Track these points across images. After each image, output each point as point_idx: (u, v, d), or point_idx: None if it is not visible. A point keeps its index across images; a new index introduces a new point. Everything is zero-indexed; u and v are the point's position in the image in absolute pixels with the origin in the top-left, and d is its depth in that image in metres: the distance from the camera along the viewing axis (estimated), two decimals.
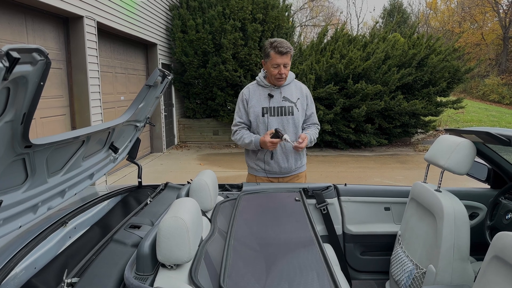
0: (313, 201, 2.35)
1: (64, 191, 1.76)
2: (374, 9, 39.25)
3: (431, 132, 11.77)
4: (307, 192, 2.33)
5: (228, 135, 10.33)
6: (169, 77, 2.28)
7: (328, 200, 2.36)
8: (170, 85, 9.87)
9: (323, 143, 9.59)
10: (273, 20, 9.27)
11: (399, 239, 2.27)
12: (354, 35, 10.27)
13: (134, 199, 2.21)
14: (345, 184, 2.46)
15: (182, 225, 1.24)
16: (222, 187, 2.38)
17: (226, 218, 1.89)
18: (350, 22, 33.37)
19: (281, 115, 2.60)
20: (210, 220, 1.80)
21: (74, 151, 1.72)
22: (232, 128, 2.73)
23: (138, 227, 1.66)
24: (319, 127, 2.84)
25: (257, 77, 2.70)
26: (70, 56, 5.64)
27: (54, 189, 1.64)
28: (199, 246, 1.48)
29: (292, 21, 10.77)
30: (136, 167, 2.37)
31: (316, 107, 8.96)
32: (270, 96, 2.60)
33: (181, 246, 1.24)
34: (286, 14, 9.82)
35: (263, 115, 2.59)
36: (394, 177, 6.76)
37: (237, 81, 9.21)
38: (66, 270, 1.27)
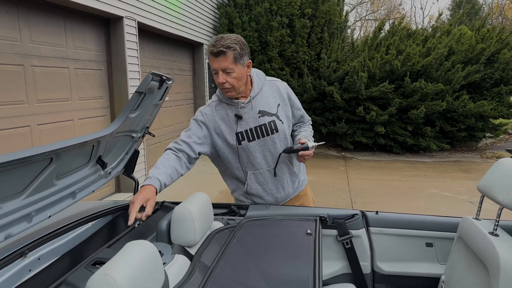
0: (334, 232, 1.93)
1: (30, 215, 1.54)
2: (437, 0, 36.33)
3: (502, 136, 10.47)
4: (326, 221, 1.92)
5: None
6: (169, 82, 1.98)
7: (353, 232, 1.92)
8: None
9: (376, 146, 8.88)
10: (324, 15, 8.75)
11: (442, 286, 1.78)
12: (415, 29, 9.38)
13: (124, 221, 1.95)
14: (377, 212, 2.01)
15: None
16: (227, 208, 2.04)
17: (217, 251, 1.56)
18: (415, 16, 31.34)
19: (262, 136, 2.00)
20: (191, 258, 1.47)
21: (40, 171, 1.49)
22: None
23: (102, 263, 1.38)
24: (311, 122, 2.30)
25: (217, 91, 2.05)
26: (111, 57, 5.65)
27: (11, 215, 1.42)
28: None
29: (346, 15, 10.12)
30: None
31: (368, 107, 8.33)
32: (238, 117, 1.96)
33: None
34: (339, 8, 9.23)
35: (239, 143, 1.99)
36: (455, 189, 5.97)
37: (283, 80, 8.82)
38: None
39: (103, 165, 1.90)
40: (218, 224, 1.83)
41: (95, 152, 1.81)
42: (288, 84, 8.74)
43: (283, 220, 1.84)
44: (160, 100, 2.06)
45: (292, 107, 2.12)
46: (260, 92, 2.01)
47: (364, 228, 1.96)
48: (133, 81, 5.84)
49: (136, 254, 1.07)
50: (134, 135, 2.05)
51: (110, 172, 2.02)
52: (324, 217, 1.90)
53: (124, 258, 1.04)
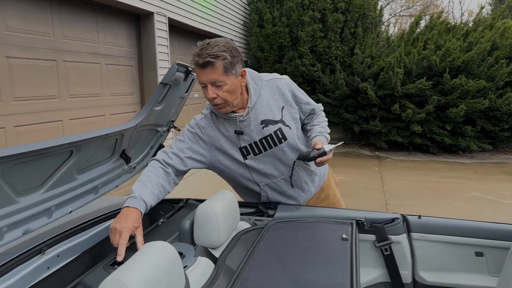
0: (372, 237, 1.76)
1: (50, 210, 1.48)
2: None
3: None
4: (363, 225, 1.75)
5: None
6: (196, 74, 1.88)
7: (393, 237, 1.75)
8: None
9: (412, 146, 8.50)
10: (357, 9, 8.46)
11: None
12: (454, 23, 8.89)
13: (147, 217, 1.87)
14: (419, 216, 1.82)
15: None
16: (255, 207, 1.91)
17: (243, 254, 1.44)
18: (453, 11, 30.02)
19: (270, 147, 1.77)
20: (215, 261, 1.36)
21: (60, 164, 1.42)
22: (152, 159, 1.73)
23: (121, 263, 1.29)
24: (322, 109, 1.98)
25: (208, 104, 1.77)
26: (141, 53, 5.66)
27: (29, 209, 1.36)
28: None
29: (381, 9, 9.75)
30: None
31: (404, 104, 7.97)
32: (239, 133, 1.71)
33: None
34: (373, 1, 8.90)
35: (245, 158, 1.77)
36: (498, 192, 5.58)
37: (314, 76, 8.61)
38: None
39: (127, 160, 1.82)
40: (245, 225, 1.71)
41: (119, 146, 1.73)
42: (320, 81, 8.62)
43: (316, 222, 1.69)
44: (185, 93, 1.96)
45: (299, 104, 1.85)
46: (259, 98, 1.74)
47: (405, 234, 1.78)
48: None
49: (153, 257, 0.97)
50: (159, 129, 1.97)
51: (134, 167, 1.94)
52: (361, 220, 1.74)
53: (139, 262, 0.93)
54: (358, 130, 8.68)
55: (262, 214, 1.87)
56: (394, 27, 11.35)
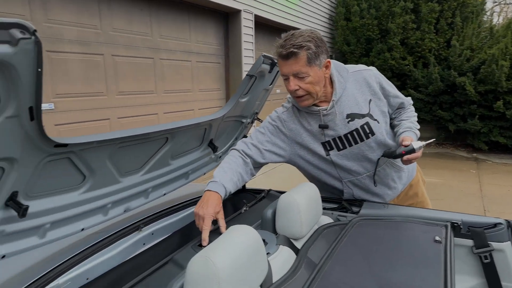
0: (469, 242, 1.60)
1: (147, 191, 1.62)
2: None
3: None
4: (459, 229, 1.60)
5: None
6: None
7: (495, 244, 1.56)
8: None
9: None
10: None
11: None
12: None
13: (231, 205, 1.94)
14: None
15: (212, 274, 0.87)
16: (338, 203, 1.87)
17: (325, 249, 1.41)
18: None
19: (355, 143, 1.68)
20: (297, 252, 1.36)
21: (157, 149, 1.55)
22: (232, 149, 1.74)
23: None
24: (411, 102, 1.82)
25: (289, 98, 1.72)
26: (228, 50, 5.88)
27: (130, 189, 1.50)
28: None
29: None
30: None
31: (509, 101, 7.08)
32: (323, 128, 1.64)
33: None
34: None
35: (328, 153, 1.70)
36: None
37: (405, 70, 8.10)
38: None
39: (214, 149, 1.91)
40: (327, 219, 1.68)
41: (207, 136, 1.82)
42: (411, 75, 8.09)
43: (405, 222, 1.59)
44: (270, 85, 1.99)
45: (387, 97, 1.73)
46: (345, 91, 1.65)
47: (509, 241, 1.58)
48: None
49: (239, 239, 1.00)
50: (243, 120, 2.03)
51: (220, 156, 2.03)
52: (457, 223, 1.59)
53: (226, 242, 0.97)
54: (454, 129, 7.95)
55: (346, 210, 1.82)
56: (498, 16, 10.10)
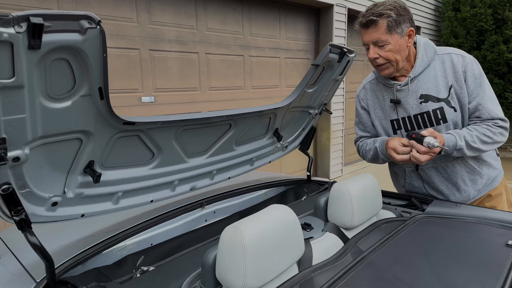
0: None
1: (212, 173, 1.75)
2: None
3: None
4: None
5: None
6: (351, 55, 1.87)
7: None
8: None
9: None
10: None
11: None
12: None
13: (294, 194, 1.97)
14: None
15: (239, 241, 0.93)
16: (407, 200, 1.77)
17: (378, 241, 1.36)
18: None
19: (425, 126, 1.61)
20: (346, 241, 1.34)
21: (220, 134, 1.66)
22: (355, 144, 1.91)
23: None
24: (505, 124, 1.58)
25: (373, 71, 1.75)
26: (318, 46, 5.85)
27: (196, 170, 1.64)
28: (300, 271, 1.11)
29: None
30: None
31: None
32: (395, 103, 1.63)
33: (237, 267, 0.93)
34: None
35: (395, 132, 1.68)
36: None
37: None
38: (142, 256, 1.21)
39: (279, 138, 1.96)
40: (388, 214, 1.61)
41: (272, 124, 1.89)
42: None
43: (475, 223, 1.45)
44: (340, 75, 1.96)
45: (468, 88, 1.56)
46: (426, 70, 1.59)
47: None
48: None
49: (272, 216, 1.04)
50: (311, 111, 2.04)
51: (286, 146, 2.07)
52: None
53: (258, 217, 1.03)
54: None
55: (415, 208, 1.72)
56: None
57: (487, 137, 1.54)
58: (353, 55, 1.88)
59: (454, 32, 7.88)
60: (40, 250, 1.01)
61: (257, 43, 4.90)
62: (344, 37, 5.89)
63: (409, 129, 1.64)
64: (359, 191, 1.40)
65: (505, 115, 1.58)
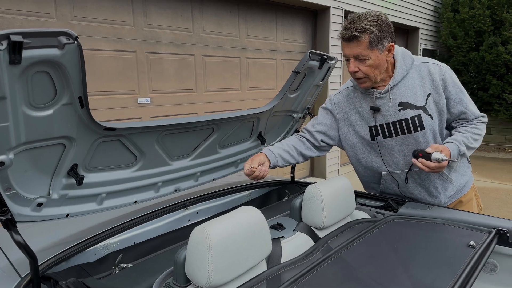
0: None
1: (196, 175, 1.82)
2: None
3: None
4: (506, 237, 1.45)
5: (504, 136, 8.18)
6: (332, 62, 1.93)
7: None
8: None
9: None
10: None
11: None
12: None
13: (277, 195, 2.05)
14: None
15: (204, 240, 1.01)
16: (384, 201, 1.83)
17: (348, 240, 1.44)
18: None
19: (402, 133, 1.65)
20: (316, 240, 1.41)
21: (204, 138, 1.74)
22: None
23: None
24: (486, 119, 1.69)
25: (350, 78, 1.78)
26: (315, 48, 5.90)
27: (179, 172, 1.72)
28: (268, 268, 1.18)
29: None
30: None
31: None
32: (375, 110, 1.66)
33: (202, 264, 1.01)
34: None
35: (373, 138, 1.70)
36: None
37: None
38: (121, 254, 1.29)
39: (263, 141, 2.03)
40: (362, 215, 1.68)
41: (256, 128, 1.96)
42: None
43: (444, 225, 1.51)
44: (321, 81, 2.03)
45: (448, 99, 1.63)
46: (404, 79, 1.63)
47: None
48: (335, 70, 5.94)
49: (239, 216, 1.12)
50: (294, 115, 2.11)
51: None
52: (504, 230, 1.45)
53: (226, 218, 1.10)
54: None
55: (391, 209, 1.78)
56: None
57: (477, 135, 1.65)
58: (333, 61, 1.95)
59: (453, 33, 7.91)
60: (24, 247, 1.08)
61: (254, 45, 4.97)
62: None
63: (387, 135, 1.68)
64: (330, 193, 1.47)
65: (503, 116, 1.66)
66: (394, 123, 1.66)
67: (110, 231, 1.45)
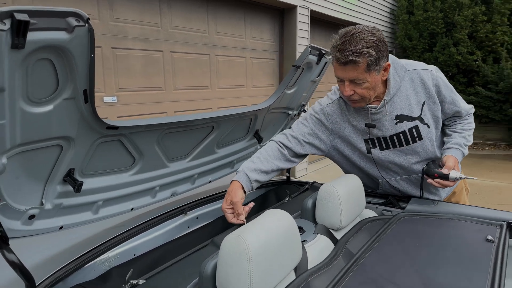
0: None
1: (193, 177, 1.69)
2: None
3: None
4: None
5: None
6: (329, 57, 1.88)
7: None
8: None
9: None
10: None
11: None
12: None
13: (275, 195, 1.96)
14: None
15: (243, 250, 0.90)
16: (385, 198, 1.81)
17: (365, 241, 1.38)
18: None
19: (400, 145, 1.60)
20: (336, 242, 1.34)
21: (203, 137, 1.61)
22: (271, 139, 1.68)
23: None
24: (473, 110, 1.73)
25: (337, 89, 1.67)
26: (283, 46, 5.89)
27: (177, 174, 1.58)
28: (297, 276, 1.09)
29: None
30: None
31: None
32: (370, 127, 1.57)
33: (241, 277, 0.90)
34: None
35: (369, 151, 1.63)
36: None
37: (472, 66, 7.55)
38: (132, 269, 1.15)
39: (260, 139, 1.94)
40: (371, 213, 1.64)
41: (253, 126, 1.86)
42: (479, 71, 7.51)
43: (455, 220, 1.51)
44: (317, 77, 1.97)
45: (442, 103, 1.60)
46: (398, 91, 1.55)
47: None
48: None
49: (273, 222, 1.02)
50: (290, 112, 2.04)
51: None
52: None
53: (260, 224, 1.00)
54: None
55: (393, 206, 1.77)
56: None
57: (471, 129, 1.70)
58: (330, 57, 1.90)
59: (408, 34, 8.27)
60: (19, 268, 0.91)
61: (223, 42, 4.84)
62: (308, 38, 5.98)
63: (384, 147, 1.62)
64: (346, 192, 1.41)
65: None
66: (391, 136, 1.60)
67: (109, 243, 1.29)
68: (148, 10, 3.98)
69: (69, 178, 1.12)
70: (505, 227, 1.40)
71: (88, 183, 1.21)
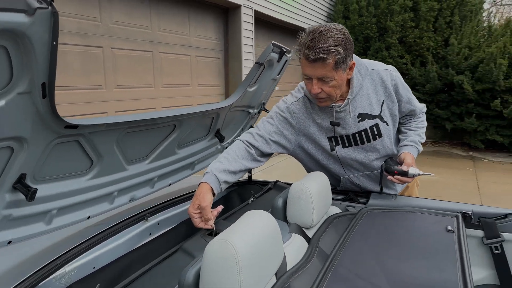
0: (479, 232, 1.59)
1: (152, 181, 1.58)
2: None
3: None
4: (470, 219, 1.59)
5: None
6: (289, 55, 1.87)
7: (506, 235, 1.55)
8: None
9: None
10: None
11: None
12: None
13: (238, 196, 1.91)
14: None
15: (231, 255, 0.84)
16: (345, 194, 1.85)
17: (336, 238, 1.39)
18: None
19: (362, 143, 1.65)
20: (309, 241, 1.33)
21: (164, 137, 1.51)
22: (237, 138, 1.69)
23: (216, 234, 1.33)
24: (425, 109, 1.83)
25: (301, 87, 1.70)
26: (228, 46, 5.84)
27: (136, 178, 1.47)
28: (277, 279, 1.05)
29: None
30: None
31: (506, 100, 7.12)
32: (335, 125, 1.60)
33: (229, 283, 0.84)
34: None
35: (332, 149, 1.67)
36: None
37: (402, 68, 8.10)
38: (98, 284, 1.03)
39: (221, 139, 1.88)
40: (335, 209, 1.66)
41: (214, 125, 1.79)
42: (408, 74, 8.09)
43: (415, 212, 1.58)
44: (278, 75, 1.96)
45: (399, 101, 1.67)
46: (361, 90, 1.59)
47: None
48: (247, 69, 5.96)
49: (258, 224, 0.97)
50: (250, 110, 2.00)
51: (226, 147, 2.00)
52: (468, 213, 1.57)
53: (244, 227, 0.94)
54: (451, 127, 7.98)
55: (353, 201, 1.81)
56: (494, 17, 10.08)
57: (424, 127, 1.80)
58: (290, 55, 1.90)
59: None
60: None
61: (167, 39, 4.67)
62: (252, 38, 6.00)
63: (347, 145, 1.67)
64: (317, 189, 1.41)
65: None
66: (354, 134, 1.64)
67: (64, 256, 1.15)
68: (86, 3, 3.70)
69: (20, 185, 0.97)
70: (460, 217, 1.49)
71: (42, 189, 1.06)
